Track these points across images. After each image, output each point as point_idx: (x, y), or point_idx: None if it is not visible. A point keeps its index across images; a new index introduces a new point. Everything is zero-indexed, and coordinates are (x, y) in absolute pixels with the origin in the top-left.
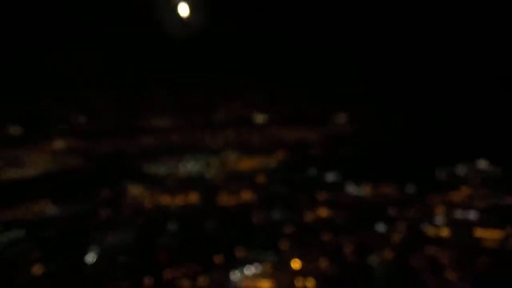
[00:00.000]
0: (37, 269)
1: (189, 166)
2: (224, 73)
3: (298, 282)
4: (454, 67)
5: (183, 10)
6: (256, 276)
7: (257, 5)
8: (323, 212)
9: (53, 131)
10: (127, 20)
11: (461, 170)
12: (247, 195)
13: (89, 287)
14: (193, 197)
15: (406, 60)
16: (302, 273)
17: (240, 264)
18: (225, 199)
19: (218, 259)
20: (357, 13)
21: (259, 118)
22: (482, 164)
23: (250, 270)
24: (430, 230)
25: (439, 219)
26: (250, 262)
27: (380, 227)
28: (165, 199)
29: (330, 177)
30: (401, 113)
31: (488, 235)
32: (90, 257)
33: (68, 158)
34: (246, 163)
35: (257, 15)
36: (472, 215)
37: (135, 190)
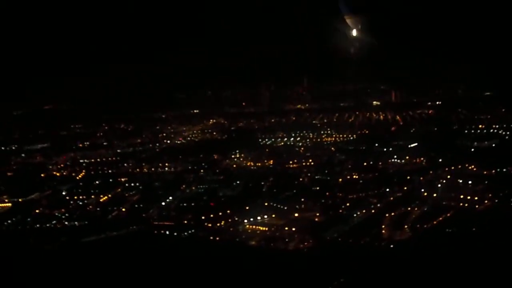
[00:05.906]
0: (127, 206)
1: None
2: None
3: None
4: None
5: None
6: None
7: None
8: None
9: (212, 112)
10: None
11: None
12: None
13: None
14: (271, 161)
15: None
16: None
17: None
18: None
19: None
20: None
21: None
22: None
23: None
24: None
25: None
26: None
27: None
28: (251, 164)
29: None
30: None
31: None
32: (168, 201)
33: (211, 131)
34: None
35: None
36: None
37: (237, 156)
